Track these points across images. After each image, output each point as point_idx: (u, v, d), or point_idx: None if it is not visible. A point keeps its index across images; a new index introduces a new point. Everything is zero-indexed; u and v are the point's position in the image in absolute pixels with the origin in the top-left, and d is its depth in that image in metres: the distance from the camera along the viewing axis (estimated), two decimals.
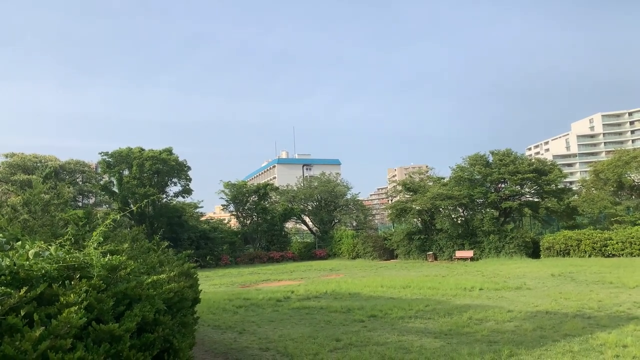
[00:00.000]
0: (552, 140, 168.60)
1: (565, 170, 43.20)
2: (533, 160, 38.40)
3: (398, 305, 12.50)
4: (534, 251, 33.00)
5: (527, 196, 37.02)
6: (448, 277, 20.88)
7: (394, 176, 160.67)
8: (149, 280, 3.85)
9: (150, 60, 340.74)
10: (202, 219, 49.14)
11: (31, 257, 3.09)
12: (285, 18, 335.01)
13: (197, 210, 48.06)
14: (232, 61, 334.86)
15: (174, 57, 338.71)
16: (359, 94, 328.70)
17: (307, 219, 51.97)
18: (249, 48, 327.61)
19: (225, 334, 9.60)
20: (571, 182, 67.76)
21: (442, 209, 36.43)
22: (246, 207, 47.00)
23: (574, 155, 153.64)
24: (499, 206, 35.59)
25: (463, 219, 37.63)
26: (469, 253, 33.92)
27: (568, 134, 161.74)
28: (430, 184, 40.00)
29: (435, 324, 10.07)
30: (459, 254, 34.31)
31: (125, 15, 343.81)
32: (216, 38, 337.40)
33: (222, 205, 49.56)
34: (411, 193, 39.25)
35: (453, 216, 37.75)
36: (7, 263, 2.93)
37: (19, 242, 3.46)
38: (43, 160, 45.80)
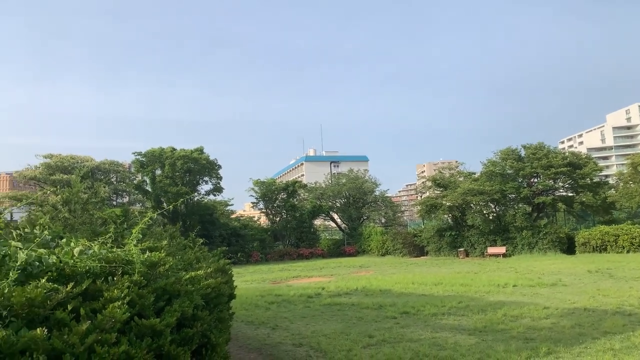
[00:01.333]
0: (587, 132, 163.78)
1: (601, 163, 41.96)
2: (567, 154, 37.41)
3: (430, 302, 12.39)
4: (568, 247, 32.19)
5: (561, 191, 36.13)
6: (480, 274, 20.60)
7: (422, 172, 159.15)
8: (187, 276, 3.92)
9: (179, 61, 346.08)
10: (233, 216, 49.75)
11: (76, 255, 3.18)
12: (309, 14, 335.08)
13: (228, 208, 48.69)
14: (259, 59, 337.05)
15: (202, 56, 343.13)
16: (385, 89, 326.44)
17: (335, 216, 51.99)
18: (275, 46, 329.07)
19: (259, 330, 9.70)
20: (607, 176, 65.73)
21: (473, 204, 35.89)
22: (275, 205, 47.32)
23: (610, 148, 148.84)
24: (531, 201, 34.85)
25: (495, 214, 36.99)
26: (502, 249, 33.34)
27: (603, 126, 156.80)
28: (461, 179, 39.45)
29: (469, 320, 9.94)
30: (491, 250, 33.76)
31: (153, 16, 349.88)
32: (242, 36, 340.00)
33: (252, 203, 50.04)
34: (441, 189, 38.80)
35: (484, 212, 37.17)
36: (54, 260, 3.03)
37: (64, 240, 3.57)
38: (79, 161, 47.15)
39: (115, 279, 3.20)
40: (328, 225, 56.45)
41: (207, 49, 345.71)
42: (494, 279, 17.56)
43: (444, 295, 13.88)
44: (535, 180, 35.56)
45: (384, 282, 18.00)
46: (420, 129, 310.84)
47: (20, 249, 2.94)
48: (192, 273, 3.99)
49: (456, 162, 44.04)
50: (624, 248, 29.27)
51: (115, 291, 3.01)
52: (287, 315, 11.42)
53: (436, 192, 40.05)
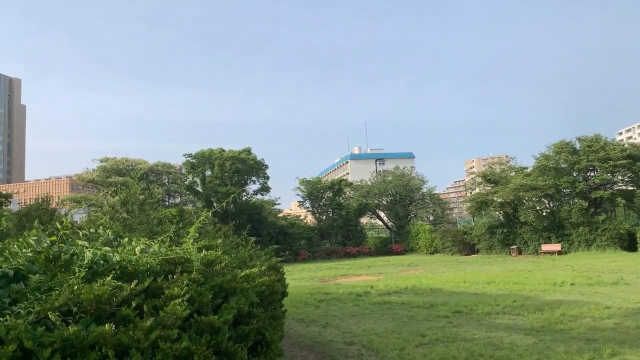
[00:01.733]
0: None
1: None
2: (626, 146, 35.56)
3: (483, 300, 12.08)
4: (629, 244, 30.59)
5: (620, 184, 34.45)
6: (535, 272, 19.94)
7: (471, 168, 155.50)
8: (242, 274, 3.98)
9: (224, 64, 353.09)
10: (280, 215, 50.34)
11: (137, 253, 3.29)
12: (351, 11, 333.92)
13: (275, 207, 49.29)
14: (303, 59, 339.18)
15: (247, 58, 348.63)
16: (430, 84, 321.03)
17: (382, 214, 51.61)
18: (319, 45, 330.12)
19: (310, 328, 9.75)
20: None
21: (526, 200, 34.75)
22: (321, 203, 47.49)
23: None
24: (588, 196, 33.40)
25: (549, 210, 35.69)
26: (556, 246, 32.12)
27: None
28: (512, 174, 38.30)
29: (525, 320, 9.62)
30: (545, 247, 32.59)
31: (194, 22, 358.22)
32: (285, 37, 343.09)
33: (298, 202, 50.42)
34: (492, 185, 37.79)
35: (538, 208, 35.93)
36: (117, 258, 3.14)
37: (125, 239, 3.70)
38: (134, 164, 48.98)
39: (174, 276, 3.28)
40: (374, 224, 56.10)
41: (251, 51, 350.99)
42: (550, 277, 16.94)
43: (498, 294, 13.51)
44: (592, 174, 34.06)
45: (434, 281, 17.71)
46: (467, 124, 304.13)
47: (87, 248, 3.06)
48: (247, 271, 4.04)
49: (507, 156, 42.69)
50: None
51: (176, 289, 3.09)
52: (337, 313, 11.42)
53: (486, 188, 39.06)
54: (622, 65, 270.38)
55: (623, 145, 36.13)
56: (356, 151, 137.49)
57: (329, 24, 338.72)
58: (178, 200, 50.94)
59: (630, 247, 30.35)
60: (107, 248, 3.21)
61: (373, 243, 46.44)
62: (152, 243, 3.63)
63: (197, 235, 4.43)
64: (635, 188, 33.23)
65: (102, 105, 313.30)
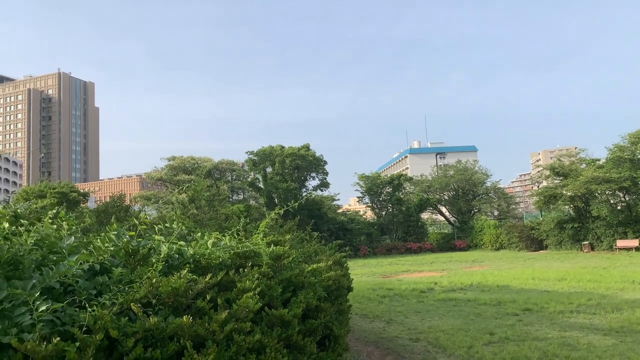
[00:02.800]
0: None
1: None
2: None
3: (555, 298, 11.54)
4: None
5: None
6: (610, 269, 18.83)
7: (537, 160, 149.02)
8: (310, 268, 4.00)
9: (284, 64, 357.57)
10: (339, 211, 50.42)
11: (210, 247, 3.38)
12: (409, 4, 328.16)
13: (334, 202, 49.45)
14: (360, 55, 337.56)
15: (306, 58, 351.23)
16: (492, 75, 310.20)
17: (443, 209, 50.52)
18: (376, 40, 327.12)
19: (374, 323, 9.70)
20: None
21: (599, 193, 32.86)
22: (381, 199, 47.12)
23: None
24: None
25: (624, 204, 33.56)
26: (634, 242, 30.17)
27: None
28: (583, 166, 36.30)
29: (602, 319, 9.09)
30: (620, 243, 30.70)
31: (254, 22, 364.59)
32: (342, 35, 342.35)
33: (357, 197, 50.29)
34: (560, 178, 35.99)
35: (612, 201, 33.87)
36: (191, 252, 3.24)
37: (198, 234, 3.81)
38: (199, 162, 50.73)
39: (245, 270, 3.35)
40: (436, 219, 55.06)
41: (310, 49, 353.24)
42: (628, 275, 15.94)
43: (570, 292, 12.86)
44: None
45: (501, 278, 17.12)
46: (533, 114, 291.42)
47: (163, 242, 3.18)
48: (314, 265, 4.06)
49: (576, 148, 40.58)
50: None
51: (247, 282, 3.14)
52: (400, 309, 11.29)
53: (555, 181, 37.28)
54: None
55: None
56: (415, 145, 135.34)
57: (391, 16, 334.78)
58: (241, 196, 52.28)
59: None
60: (181, 242, 3.31)
61: (435, 239, 45.58)
62: (223, 237, 3.72)
63: (267, 230, 4.51)
64: None
65: (170, 107, 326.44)
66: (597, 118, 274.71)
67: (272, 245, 3.91)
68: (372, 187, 46.47)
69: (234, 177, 51.90)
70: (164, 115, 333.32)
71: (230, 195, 47.98)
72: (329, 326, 4.24)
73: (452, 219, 49.17)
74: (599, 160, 36.18)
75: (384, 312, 10.95)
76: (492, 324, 9.01)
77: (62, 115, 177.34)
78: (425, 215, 52.79)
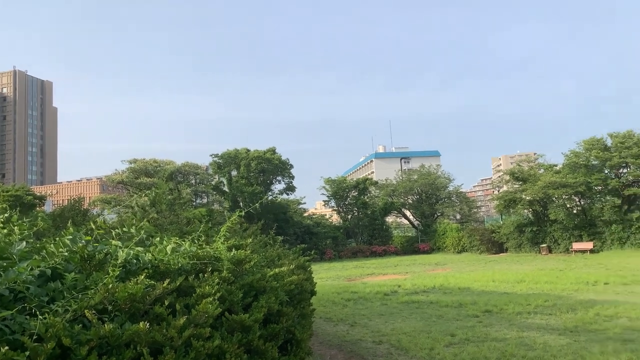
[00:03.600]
0: None
1: None
2: None
3: (514, 300, 11.87)
4: None
5: None
6: (566, 271, 19.49)
7: (498, 165, 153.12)
8: (272, 272, 3.99)
9: (251, 65, 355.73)
10: (305, 214, 50.46)
11: (169, 252, 3.33)
12: (377, 11, 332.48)
13: (300, 206, 49.47)
14: (327, 60, 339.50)
15: (273, 59, 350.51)
16: (455, 82, 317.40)
17: (407, 213, 51.24)
18: (342, 45, 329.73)
19: (338, 327, 9.73)
20: None
21: (556, 198, 34.02)
22: (346, 202, 47.44)
23: None
24: (621, 193, 32.49)
25: (580, 208, 34.89)
26: (588, 245, 31.34)
27: None
28: (541, 172, 37.50)
29: (558, 320, 9.40)
30: (576, 246, 31.83)
31: (231, 23, 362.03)
32: (313, 38, 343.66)
33: (324, 201, 50.46)
34: (520, 182, 37.07)
35: (568, 206, 35.15)
36: (149, 258, 3.18)
37: (157, 239, 3.75)
38: (161, 164, 49.76)
39: (205, 275, 3.31)
40: (400, 222, 55.77)
41: (277, 52, 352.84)
42: (582, 276, 16.54)
43: (528, 294, 13.25)
44: (625, 170, 33.10)
45: (463, 280, 17.48)
46: (494, 121, 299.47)
47: (120, 247, 3.11)
48: (276, 270, 4.05)
49: (535, 154, 41.89)
50: None
51: (207, 287, 3.11)
52: (364, 312, 11.37)
53: (515, 186, 38.36)
54: None
55: None
56: (381, 150, 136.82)
57: (364, 21, 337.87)
58: (205, 200, 51.59)
59: None
60: (139, 248, 3.25)
61: (399, 242, 46.19)
62: (183, 242, 3.67)
63: (228, 234, 4.47)
64: None
65: (132, 108, 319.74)
66: (556, 124, 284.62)
67: (233, 250, 3.89)
68: (338, 191, 46.73)
69: (198, 181, 51.18)
70: (127, 116, 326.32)
71: (194, 199, 47.30)
72: (291, 330, 4.23)
73: (416, 223, 49.92)
74: (556, 165, 37.47)
75: (348, 315, 11.01)
76: (453, 325, 9.19)
77: (18, 115, 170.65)
78: (390, 219, 53.42)
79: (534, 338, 7.84)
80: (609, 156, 32.33)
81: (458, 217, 51.19)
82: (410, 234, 49.57)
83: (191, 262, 3.41)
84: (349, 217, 47.42)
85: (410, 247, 44.60)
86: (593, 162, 33.99)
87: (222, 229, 4.05)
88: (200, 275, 3.36)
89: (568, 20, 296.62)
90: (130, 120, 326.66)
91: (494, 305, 11.22)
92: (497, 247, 37.63)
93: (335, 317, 10.74)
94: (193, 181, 51.08)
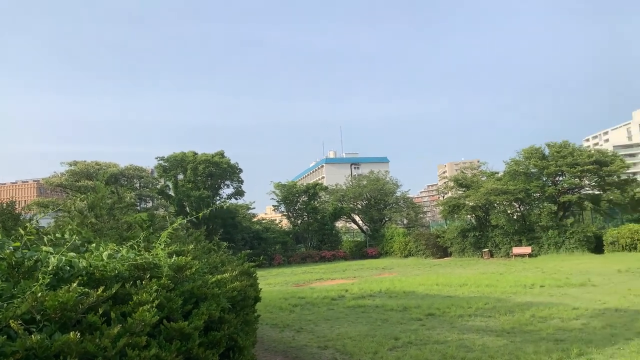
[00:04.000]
0: (612, 130, 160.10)
1: (628, 160, 40.85)
2: (592, 152, 36.61)
3: (456, 303, 12.24)
4: (596, 246, 31.46)
5: (587, 189, 35.41)
6: (506, 275, 20.29)
7: (444, 172, 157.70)
8: (214, 279, 3.93)
9: (199, 66, 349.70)
10: (254, 219, 49.99)
11: (105, 259, 3.22)
12: (329, 18, 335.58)
13: (249, 211, 48.96)
14: (278, 62, 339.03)
15: (222, 61, 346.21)
16: (404, 90, 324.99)
17: (357, 218, 51.83)
18: (293, 49, 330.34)
19: (284, 333, 9.70)
20: (635, 173, 64.08)
21: (497, 204, 35.39)
22: (296, 207, 47.41)
23: (637, 145, 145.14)
24: (557, 200, 34.21)
25: (519, 214, 36.43)
26: (527, 249, 32.78)
27: (629, 123, 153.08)
28: (484, 179, 38.96)
29: (497, 322, 9.78)
30: (516, 250, 33.23)
31: (173, 22, 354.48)
32: (264, 41, 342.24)
33: (273, 206, 50.21)
34: (463, 189, 38.35)
35: (509, 211, 36.64)
36: (84, 264, 3.07)
37: (93, 245, 3.62)
38: (104, 167, 47.95)
39: (143, 282, 3.22)
40: (350, 227, 56.34)
41: (227, 54, 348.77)
42: (521, 280, 17.27)
43: (470, 297, 13.69)
44: (561, 178, 34.92)
45: (408, 284, 17.85)
46: (441, 129, 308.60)
47: (52, 253, 2.98)
48: (218, 276, 4.00)
49: (478, 161, 43.54)
50: None
51: (144, 295, 3.03)
52: (311, 317, 11.40)
53: (458, 192, 39.62)
54: (591, 77, 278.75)
55: (590, 151, 37.17)
56: (331, 155, 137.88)
57: (310, 27, 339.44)
58: (150, 204, 50.12)
59: (597, 249, 31.20)
60: (72, 254, 3.12)
61: (348, 247, 46.63)
62: (121, 248, 3.56)
63: (169, 240, 4.37)
64: (601, 192, 34.17)
65: (71, 108, 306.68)
66: (499, 133, 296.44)
67: (174, 256, 3.81)
68: (288, 196, 46.65)
69: (143, 184, 49.67)
70: (67, 116, 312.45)
71: (138, 203, 45.84)
72: (234, 337, 4.18)
73: (364, 228, 50.57)
74: (497, 173, 39.01)
75: (295, 321, 11.00)
76: (397, 329, 9.37)
77: None
78: (339, 224, 53.86)
79: (474, 340, 8.12)
80: (546, 165, 34.00)
81: (405, 222, 52.28)
82: (359, 239, 50.15)
83: (129, 268, 3.32)
84: (299, 222, 47.43)
85: (359, 252, 45.12)
86: (532, 170, 35.62)
87: (163, 235, 3.96)
88: (139, 282, 3.27)
89: (508, 32, 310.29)
90: (71, 122, 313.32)
91: (437, 308, 11.53)
92: (442, 252, 38.69)
93: (281, 323, 10.71)
94: (137, 185, 49.54)
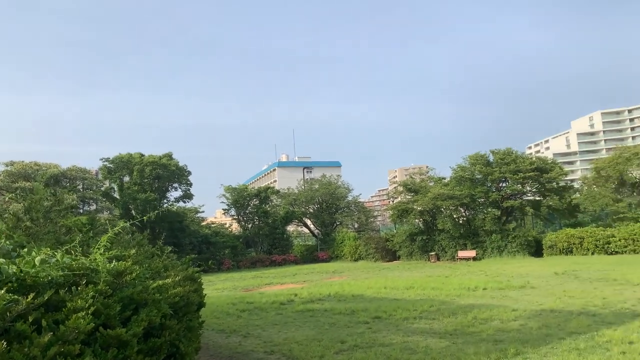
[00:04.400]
0: (553, 138, 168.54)
1: (566, 168, 43.19)
2: (534, 159, 38.35)
3: (402, 306, 12.47)
4: (536, 250, 32.93)
5: (529, 195, 36.97)
6: (451, 277, 20.84)
7: (394, 177, 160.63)
8: (155, 284, 3.86)
9: (151, 67, 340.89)
10: (204, 223, 49.13)
11: (37, 264, 3.09)
12: (286, 21, 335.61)
13: (198, 215, 48.09)
14: (230, 64, 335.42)
15: (177, 63, 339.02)
16: (359, 96, 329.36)
17: (308, 222, 51.95)
18: (250, 52, 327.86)
19: (230, 338, 9.59)
20: (572, 180, 67.61)
21: (444, 209, 36.40)
22: (247, 211, 47.01)
23: (575, 153, 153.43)
24: (500, 205, 35.56)
25: (465, 218, 37.59)
26: (472, 253, 33.86)
27: (568, 132, 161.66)
28: (431, 184, 39.95)
29: (440, 324, 10.04)
30: (461, 254, 34.24)
31: (129, 22, 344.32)
32: (218, 43, 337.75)
33: (223, 210, 49.58)
34: (412, 194, 39.22)
35: (455, 216, 37.71)
36: (14, 270, 2.93)
37: (25, 249, 3.46)
38: (44, 168, 45.80)
39: (79, 288, 3.12)
40: (301, 231, 56.38)
41: (179, 54, 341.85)
42: (465, 282, 17.79)
43: (416, 299, 13.99)
44: (504, 184, 36.30)
45: (357, 287, 18.04)
46: (392, 135, 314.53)
47: None
48: (160, 281, 3.92)
49: (427, 167, 44.52)
50: (588, 250, 30.11)
51: (79, 301, 2.94)
52: (258, 322, 11.32)
53: (407, 197, 40.47)
54: (533, 86, 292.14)
55: (531, 158, 38.94)
56: (284, 159, 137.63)
57: (265, 29, 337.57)
58: (94, 207, 48.27)
59: (537, 253, 32.69)
60: (1, 260, 2.98)
61: (299, 251, 46.63)
62: (56, 253, 3.43)
63: (109, 245, 4.24)
64: (541, 198, 35.83)
65: (12, 106, 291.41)
66: (450, 139, 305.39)
67: (114, 261, 3.70)
68: (239, 199, 46.17)
69: (86, 186, 47.78)
70: (6, 114, 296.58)
71: (81, 206, 44.06)
72: (176, 344, 4.11)
73: (316, 232, 50.74)
74: (444, 178, 40.15)
75: (242, 326, 10.89)
76: (345, 332, 9.46)
77: None
78: (291, 228, 53.80)
79: (417, 342, 8.31)
80: (490, 171, 35.30)
81: (356, 226, 52.82)
82: (310, 243, 50.26)
83: (63, 274, 3.20)
84: (250, 226, 47.02)
85: (310, 256, 45.22)
86: (477, 176, 36.84)
87: (102, 239, 3.84)
88: (74, 288, 3.16)
89: (446, 43, 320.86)
90: (8, 119, 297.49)
91: (383, 311, 11.71)
92: (391, 255, 39.35)
93: (228, 329, 10.57)
94: (80, 186, 47.62)
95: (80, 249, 3.91)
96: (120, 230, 4.20)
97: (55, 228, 5.36)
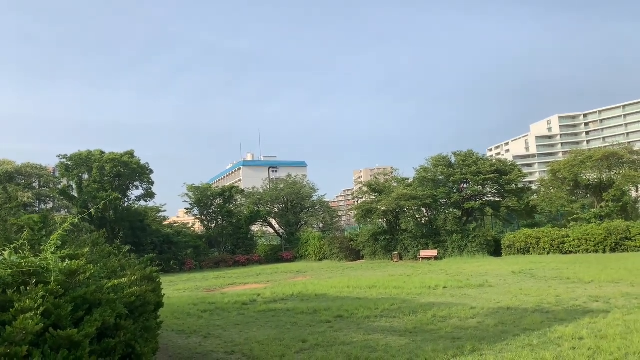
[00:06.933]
0: (512, 141, 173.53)
1: (525, 170, 44.69)
2: (494, 161, 39.44)
3: (364, 305, 12.59)
4: (495, 249, 33.87)
5: (489, 196, 37.96)
6: (413, 277, 21.16)
7: (359, 177, 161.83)
8: (110, 284, 3.78)
9: (111, 62, 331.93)
10: (165, 223, 48.28)
11: None
12: (251, 20, 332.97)
13: (160, 214, 47.23)
14: (196, 63, 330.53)
15: (136, 58, 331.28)
16: (325, 96, 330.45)
17: (273, 222, 51.76)
18: (214, 50, 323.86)
19: (190, 339, 9.46)
20: (530, 182, 69.70)
21: (407, 209, 36.93)
22: (211, 211, 46.45)
23: (533, 156, 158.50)
24: (461, 206, 36.37)
25: (427, 219, 38.26)
26: (433, 252, 34.49)
27: (527, 135, 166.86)
28: (395, 184, 40.48)
29: (401, 322, 10.19)
30: (423, 253, 34.83)
31: (86, 16, 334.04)
32: (180, 39, 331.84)
33: (186, 209, 48.85)
34: (376, 194, 39.64)
35: (417, 216, 38.33)
36: None
37: None
38: None
39: (28, 288, 3.03)
40: (266, 231, 56.11)
41: (142, 51, 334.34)
42: (426, 281, 18.10)
43: (378, 298, 14.15)
44: (465, 185, 37.16)
45: (320, 287, 18.10)
46: (358, 136, 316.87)
47: None
48: (115, 281, 3.84)
49: (391, 168, 45.17)
50: (544, 250, 31.19)
51: (28, 301, 2.85)
52: (220, 323, 11.21)
53: (371, 197, 40.87)
54: (494, 89, 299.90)
55: (492, 160, 40.00)
56: (249, 158, 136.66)
57: (231, 29, 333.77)
58: (50, 206, 46.66)
59: (496, 252, 33.63)
60: None
61: (263, 251, 46.41)
62: (3, 252, 3.31)
63: (61, 243, 4.12)
64: (501, 199, 36.85)
65: None
66: (410, 142, 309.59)
67: (66, 260, 3.60)
68: (202, 199, 45.58)
69: (42, 184, 46.14)
70: None
71: (37, 204, 42.51)
72: (131, 344, 4.03)
73: (281, 231, 50.60)
74: (408, 179, 40.75)
75: (203, 326, 10.77)
76: (306, 331, 9.48)
77: None
78: (255, 228, 53.46)
79: (378, 340, 8.41)
80: (452, 172, 36.08)
81: (321, 226, 52.95)
82: (275, 243, 50.08)
83: (12, 272, 3.09)
84: (213, 225, 46.47)
85: (274, 256, 45.05)
86: (439, 177, 37.58)
87: (53, 237, 3.73)
88: (23, 288, 3.06)
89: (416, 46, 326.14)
90: None
91: (345, 310, 11.79)
92: (355, 255, 39.65)
93: (188, 329, 10.43)
94: (36, 184, 45.98)
95: (30, 247, 3.78)
96: (70, 227, 4.08)
97: (5, 226, 5.17)
